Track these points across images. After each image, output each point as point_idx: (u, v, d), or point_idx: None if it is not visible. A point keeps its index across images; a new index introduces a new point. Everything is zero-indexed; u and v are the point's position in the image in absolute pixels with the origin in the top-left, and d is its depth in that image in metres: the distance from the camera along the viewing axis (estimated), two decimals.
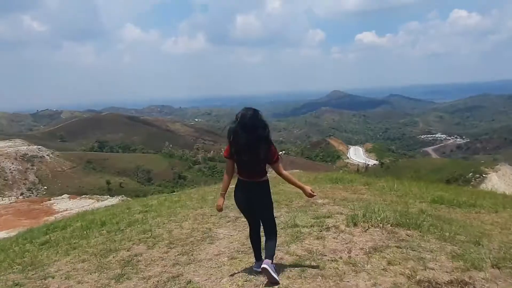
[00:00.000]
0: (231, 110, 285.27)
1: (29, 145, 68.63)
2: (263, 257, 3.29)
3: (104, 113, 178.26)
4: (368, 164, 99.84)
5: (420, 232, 4.07)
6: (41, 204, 24.98)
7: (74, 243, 5.08)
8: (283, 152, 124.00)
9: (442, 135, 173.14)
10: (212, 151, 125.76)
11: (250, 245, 3.54)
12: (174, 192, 30.76)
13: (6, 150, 60.79)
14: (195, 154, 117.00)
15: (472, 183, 56.83)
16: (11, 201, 25.91)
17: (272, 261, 3.15)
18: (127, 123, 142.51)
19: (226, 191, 3.30)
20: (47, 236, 5.87)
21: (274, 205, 3.67)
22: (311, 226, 4.54)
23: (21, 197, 35.50)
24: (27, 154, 61.58)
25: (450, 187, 10.26)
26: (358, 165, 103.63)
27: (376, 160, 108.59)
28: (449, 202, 6.16)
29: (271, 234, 3.29)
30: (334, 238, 4.08)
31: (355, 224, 4.38)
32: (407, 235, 4.00)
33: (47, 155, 66.23)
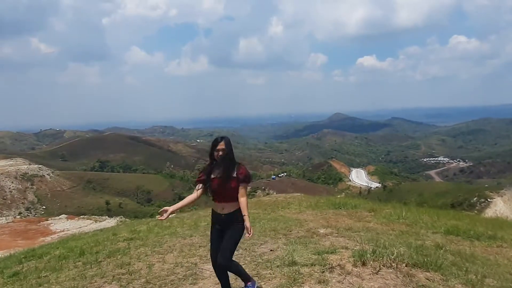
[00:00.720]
0: (233, 132, 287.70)
1: (30, 164, 68.52)
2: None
3: (106, 133, 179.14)
4: (371, 187, 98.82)
5: (442, 274, 3.52)
6: (38, 224, 24.43)
7: (44, 276, 4.56)
8: (285, 174, 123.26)
9: (444, 158, 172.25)
10: None
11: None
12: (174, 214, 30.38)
13: (7, 169, 60.61)
14: (196, 175, 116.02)
15: (477, 207, 55.70)
16: (8, 221, 25.37)
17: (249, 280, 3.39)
18: (129, 143, 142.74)
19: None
20: (20, 266, 5.42)
21: (272, 233, 5.37)
22: (312, 264, 3.94)
23: (18, 216, 34.94)
24: (27, 173, 61.34)
25: (463, 214, 9.77)
26: (360, 187, 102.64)
27: (379, 182, 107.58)
28: (465, 233, 5.67)
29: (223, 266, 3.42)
30: (339, 282, 3.46)
31: (363, 263, 3.73)
32: (427, 278, 3.42)
33: (47, 174, 65.96)
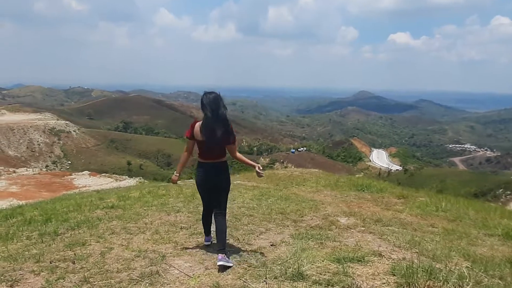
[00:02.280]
0: (256, 102, 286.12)
1: (57, 120, 70.75)
2: (211, 234, 3.65)
3: (131, 95, 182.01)
4: (391, 169, 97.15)
5: None
6: (62, 178, 25.42)
7: None
8: (304, 148, 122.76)
9: (471, 146, 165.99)
10: None
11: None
12: (192, 178, 30.71)
13: (36, 122, 62.82)
14: None
15: (502, 199, 54.01)
16: (35, 173, 26.62)
17: (225, 251, 3.19)
18: (153, 106, 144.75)
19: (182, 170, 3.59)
20: None
21: (278, 218, 4.54)
22: (328, 284, 2.63)
23: (44, 169, 36.49)
24: (55, 128, 63.43)
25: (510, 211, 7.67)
26: (380, 169, 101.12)
27: (400, 165, 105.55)
28: None
29: (223, 214, 3.41)
30: None
31: None
32: None
33: (73, 130, 68.05)
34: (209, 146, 3.28)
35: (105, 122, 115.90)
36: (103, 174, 27.50)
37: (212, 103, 3.23)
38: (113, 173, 34.04)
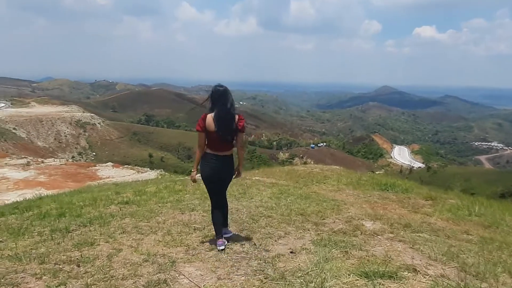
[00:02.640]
0: (276, 97, 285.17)
1: (83, 112, 72.90)
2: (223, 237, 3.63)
3: (154, 88, 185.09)
4: (413, 166, 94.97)
5: None
6: (87, 169, 26.23)
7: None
8: (324, 144, 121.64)
9: (498, 144, 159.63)
10: (253, 135, 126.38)
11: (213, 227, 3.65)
12: None
13: (63, 114, 64.95)
14: None
15: None
16: (61, 163, 27.60)
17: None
18: (175, 100, 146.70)
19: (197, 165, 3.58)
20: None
21: (298, 220, 4.53)
22: None
23: (71, 160, 37.73)
24: (81, 120, 65.38)
25: None
26: (401, 166, 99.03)
27: (422, 163, 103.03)
28: None
29: (226, 206, 3.75)
30: None
31: None
32: None
33: (98, 123, 69.93)
34: (222, 138, 3.35)
35: (128, 115, 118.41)
36: (125, 166, 28.14)
37: (224, 96, 3.35)
38: (135, 165, 34.82)
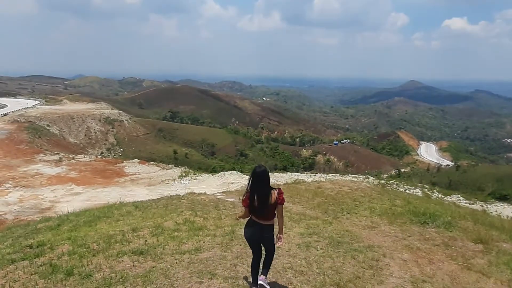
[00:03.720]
0: (300, 93, 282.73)
1: (112, 109, 75.21)
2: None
3: (179, 85, 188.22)
4: (441, 165, 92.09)
5: None
6: (115, 165, 27.28)
7: None
8: (348, 140, 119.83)
9: None
10: (276, 132, 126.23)
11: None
12: (234, 169, 31.02)
13: (93, 111, 67.31)
14: (259, 133, 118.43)
15: None
16: (91, 159, 28.77)
17: (266, 277, 4.03)
18: (199, 96, 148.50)
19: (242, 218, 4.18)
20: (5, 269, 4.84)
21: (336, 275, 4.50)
22: None
23: (99, 156, 39.25)
24: (109, 117, 67.48)
25: None
26: (429, 164, 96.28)
27: (451, 161, 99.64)
28: None
29: (269, 256, 4.12)
30: None
31: None
32: None
33: (125, 120, 71.98)
34: (261, 212, 3.88)
35: (154, 111, 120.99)
36: (151, 162, 29.03)
37: (263, 177, 3.87)
38: (160, 162, 35.79)
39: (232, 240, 5.68)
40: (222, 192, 11.65)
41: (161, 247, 5.34)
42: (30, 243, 5.71)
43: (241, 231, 6.01)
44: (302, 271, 4.62)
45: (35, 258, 5.09)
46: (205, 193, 10.37)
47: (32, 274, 4.58)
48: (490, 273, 4.61)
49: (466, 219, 7.03)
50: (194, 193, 10.55)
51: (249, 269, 4.25)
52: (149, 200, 9.96)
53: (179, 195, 10.23)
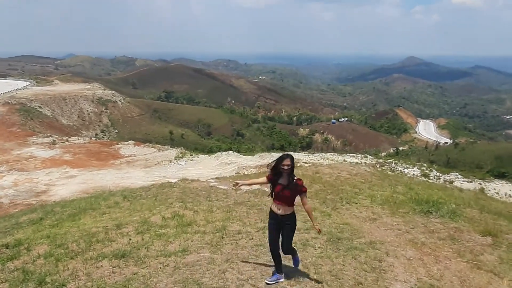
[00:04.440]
0: (296, 70, 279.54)
1: (104, 89, 73.59)
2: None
3: (173, 64, 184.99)
4: (439, 142, 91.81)
5: None
6: (110, 147, 26.61)
7: None
8: (345, 118, 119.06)
9: None
10: (272, 111, 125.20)
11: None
12: (231, 150, 30.46)
13: (85, 92, 65.75)
14: (256, 112, 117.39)
15: None
16: (85, 141, 28.03)
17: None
18: (193, 75, 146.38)
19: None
20: None
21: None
22: None
23: (94, 138, 38.41)
24: (102, 98, 66.00)
25: None
26: (427, 141, 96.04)
27: (449, 138, 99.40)
28: None
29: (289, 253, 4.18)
30: None
31: None
32: None
33: (119, 100, 70.52)
34: (282, 198, 3.88)
35: (148, 91, 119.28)
36: (146, 144, 28.39)
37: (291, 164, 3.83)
38: (156, 143, 35.13)
39: (222, 238, 5.23)
40: (216, 178, 11.09)
41: (145, 248, 4.91)
42: (7, 242, 5.30)
43: (232, 227, 5.72)
44: (298, 279, 4.11)
45: (8, 261, 4.67)
46: (198, 180, 9.91)
47: (2, 282, 4.20)
48: (502, 273, 4.22)
49: (471, 206, 6.58)
50: (187, 179, 10.04)
51: (240, 276, 4.16)
52: (139, 188, 9.49)
53: (171, 182, 9.72)
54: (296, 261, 4.25)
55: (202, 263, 4.45)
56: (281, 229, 3.94)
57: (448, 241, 5.14)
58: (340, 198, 7.29)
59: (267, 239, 4.07)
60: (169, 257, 4.60)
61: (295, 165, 3.87)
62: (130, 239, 5.19)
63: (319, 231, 4.03)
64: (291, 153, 3.85)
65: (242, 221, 5.98)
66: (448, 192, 8.39)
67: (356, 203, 6.90)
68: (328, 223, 5.82)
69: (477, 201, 7.68)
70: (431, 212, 6.08)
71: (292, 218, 3.92)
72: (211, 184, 9.18)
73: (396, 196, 7.08)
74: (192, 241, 5.10)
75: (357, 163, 14.09)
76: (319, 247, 4.91)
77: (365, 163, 14.54)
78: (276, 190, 3.85)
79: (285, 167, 3.77)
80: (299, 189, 3.81)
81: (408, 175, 13.05)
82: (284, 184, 3.80)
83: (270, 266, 4.25)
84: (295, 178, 3.83)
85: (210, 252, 4.77)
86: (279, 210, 3.86)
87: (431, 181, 12.60)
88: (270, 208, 4.01)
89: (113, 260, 4.55)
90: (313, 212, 4.17)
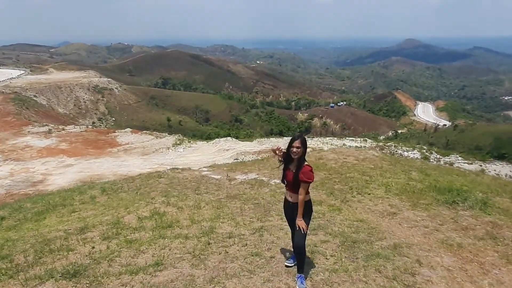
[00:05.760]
0: (294, 55, 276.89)
1: (100, 77, 72.69)
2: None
3: (169, 50, 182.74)
4: (438, 124, 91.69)
5: None
6: (107, 135, 26.39)
7: None
8: (344, 102, 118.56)
9: None
10: (270, 96, 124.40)
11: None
12: (229, 136, 30.41)
13: (80, 80, 64.96)
14: (254, 97, 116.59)
15: None
16: (82, 130, 27.78)
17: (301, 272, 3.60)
18: (190, 62, 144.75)
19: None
20: None
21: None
22: None
23: (91, 126, 38.08)
24: (98, 85, 65.22)
25: None
26: (426, 124, 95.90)
27: (448, 120, 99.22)
28: None
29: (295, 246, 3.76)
30: None
31: None
32: None
33: (115, 88, 69.76)
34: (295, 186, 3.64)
35: (145, 78, 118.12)
36: (144, 131, 28.16)
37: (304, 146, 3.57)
38: (154, 130, 34.86)
39: (209, 244, 4.23)
40: (210, 166, 10.61)
41: (108, 261, 3.93)
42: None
43: (221, 228, 4.83)
44: None
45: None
46: (189, 169, 9.36)
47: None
48: None
49: (501, 195, 5.69)
50: (177, 169, 9.46)
51: None
52: (122, 180, 8.86)
53: (159, 171, 9.07)
54: (294, 260, 3.74)
55: (177, 284, 3.45)
56: (294, 218, 3.62)
57: (489, 241, 4.26)
58: (349, 188, 6.43)
59: (264, 246, 3.69)
60: (135, 275, 3.64)
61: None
62: (92, 247, 4.31)
63: (298, 227, 3.45)
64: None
65: (235, 220, 5.12)
66: (469, 178, 7.34)
67: (369, 194, 6.04)
68: (339, 221, 4.88)
69: (504, 187, 6.68)
70: (457, 203, 5.28)
71: (305, 207, 3.58)
72: (203, 173, 8.52)
73: (413, 184, 6.25)
74: (169, 250, 4.16)
75: (356, 147, 13.92)
76: (331, 255, 3.94)
77: (365, 146, 14.36)
78: (287, 179, 3.55)
79: (294, 150, 3.38)
80: (300, 178, 3.40)
81: (408, 157, 12.93)
82: (293, 170, 3.47)
83: (269, 280, 3.52)
84: (305, 164, 3.42)
85: (191, 266, 3.80)
86: (291, 198, 3.61)
87: (447, 165, 11.79)
88: (284, 198, 3.79)
89: (60, 281, 3.57)
90: (313, 209, 3.97)
